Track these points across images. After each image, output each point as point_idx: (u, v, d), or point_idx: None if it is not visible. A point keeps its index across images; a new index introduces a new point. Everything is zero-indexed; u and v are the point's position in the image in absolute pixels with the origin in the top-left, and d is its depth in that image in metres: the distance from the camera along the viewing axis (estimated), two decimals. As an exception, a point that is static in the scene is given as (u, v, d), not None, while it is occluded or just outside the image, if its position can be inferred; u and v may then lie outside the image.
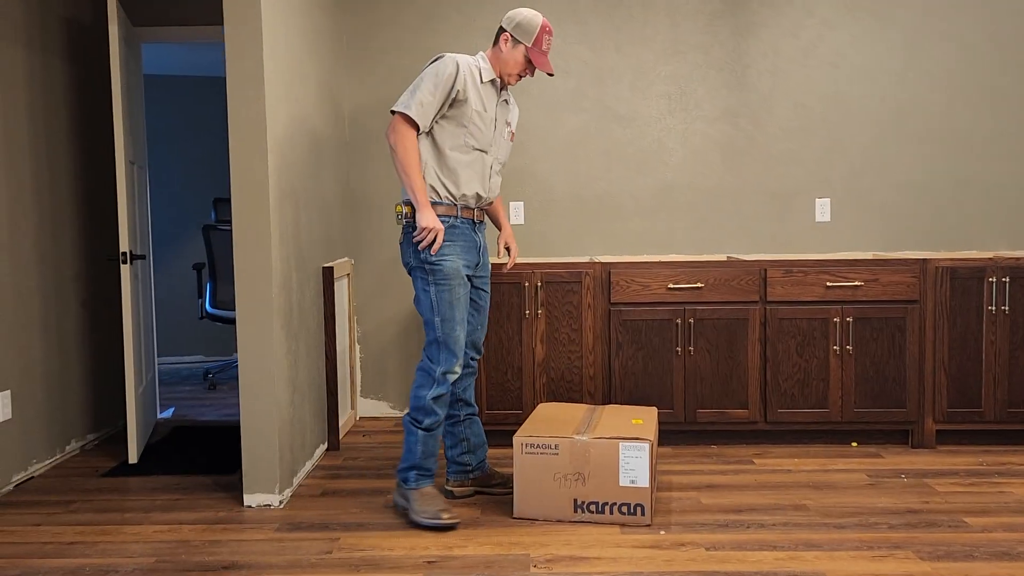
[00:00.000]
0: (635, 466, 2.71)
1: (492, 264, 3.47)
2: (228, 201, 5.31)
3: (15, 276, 3.27)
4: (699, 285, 3.55)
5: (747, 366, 3.58)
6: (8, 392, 3.21)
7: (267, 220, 2.89)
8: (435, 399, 2.79)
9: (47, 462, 3.48)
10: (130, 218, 3.52)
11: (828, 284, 3.53)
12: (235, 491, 3.12)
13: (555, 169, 4.18)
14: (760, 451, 3.58)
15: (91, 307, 3.88)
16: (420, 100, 2.71)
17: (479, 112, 2.79)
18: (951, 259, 3.53)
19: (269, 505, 2.95)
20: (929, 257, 3.56)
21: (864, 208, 4.14)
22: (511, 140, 3.00)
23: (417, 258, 2.78)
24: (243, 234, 2.90)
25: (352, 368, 4.17)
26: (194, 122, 6.12)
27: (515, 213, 4.19)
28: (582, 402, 3.61)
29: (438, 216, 2.76)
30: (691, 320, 3.56)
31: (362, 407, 4.31)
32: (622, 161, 4.17)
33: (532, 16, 2.80)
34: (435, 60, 2.77)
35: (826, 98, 4.12)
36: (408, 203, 2.79)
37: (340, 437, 3.78)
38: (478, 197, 2.85)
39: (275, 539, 2.65)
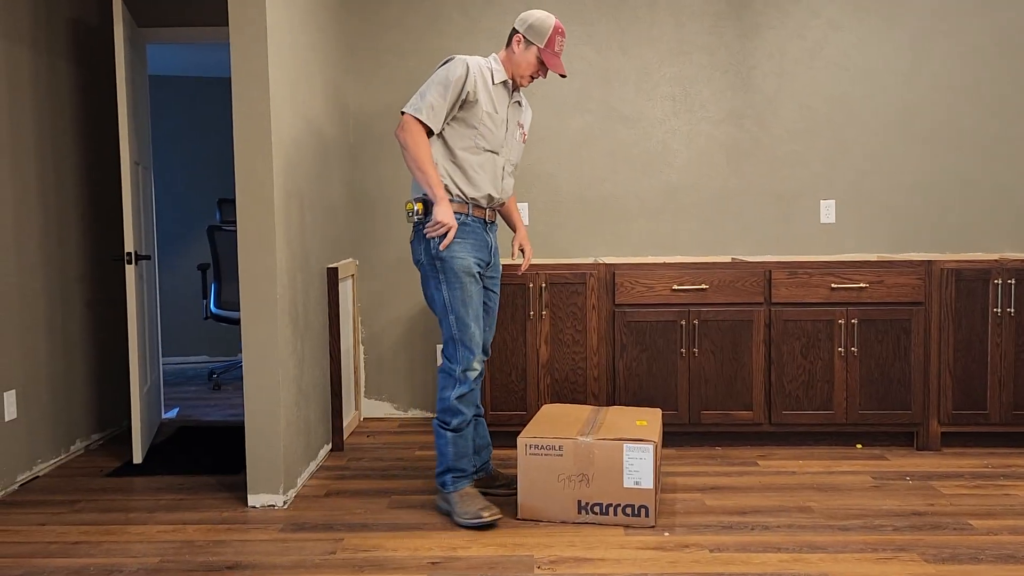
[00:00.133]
0: (639, 467, 2.71)
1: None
2: (233, 202, 5.32)
3: (21, 276, 3.28)
4: (704, 287, 3.55)
5: (751, 368, 3.57)
6: (13, 392, 3.21)
7: (272, 221, 2.90)
8: (459, 398, 2.79)
9: (52, 462, 3.49)
10: (135, 218, 3.52)
11: (833, 286, 3.52)
12: (239, 491, 3.13)
13: (560, 170, 4.18)
14: (764, 453, 3.57)
15: (96, 307, 3.88)
16: (430, 103, 2.71)
17: (490, 114, 2.79)
18: (956, 261, 3.52)
19: (273, 505, 2.96)
20: (934, 259, 3.55)
21: (869, 210, 4.13)
22: (523, 142, 2.99)
23: (429, 256, 2.78)
24: (248, 235, 2.90)
25: (356, 369, 4.17)
26: (199, 123, 6.13)
27: (520, 214, 4.19)
28: (586, 403, 3.60)
29: None
30: (695, 321, 3.56)
31: (366, 408, 4.31)
32: (627, 162, 4.17)
33: (544, 18, 2.80)
34: (446, 62, 2.77)
35: (832, 99, 4.11)
36: (420, 200, 2.78)
37: (344, 438, 3.79)
38: (490, 198, 2.85)
39: (279, 539, 2.65)
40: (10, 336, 3.21)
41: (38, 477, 3.36)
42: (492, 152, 2.82)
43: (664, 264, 3.58)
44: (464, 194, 2.79)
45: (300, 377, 3.19)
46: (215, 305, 5.25)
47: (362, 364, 4.28)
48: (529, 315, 3.59)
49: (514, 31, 2.83)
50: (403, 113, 2.74)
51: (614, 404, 3.61)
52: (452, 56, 2.78)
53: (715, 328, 3.57)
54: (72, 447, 3.66)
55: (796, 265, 3.54)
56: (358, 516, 2.86)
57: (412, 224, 2.85)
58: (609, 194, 4.18)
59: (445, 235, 2.72)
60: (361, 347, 4.27)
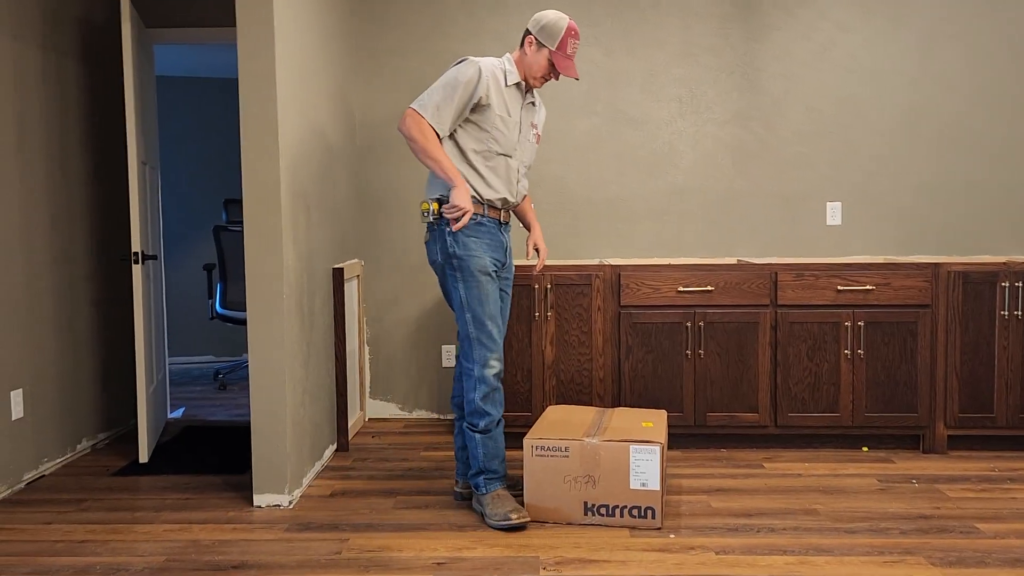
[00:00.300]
0: (645, 469, 2.71)
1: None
2: (239, 202, 5.33)
3: (28, 276, 3.29)
4: (709, 288, 3.55)
5: (757, 370, 3.56)
6: (21, 391, 3.22)
7: (278, 221, 2.90)
8: (483, 399, 2.78)
9: (58, 460, 3.50)
10: (142, 218, 3.53)
11: (839, 288, 3.52)
12: (245, 491, 3.13)
13: (566, 172, 4.18)
14: (770, 455, 3.56)
15: (103, 307, 3.89)
16: (436, 103, 2.69)
17: (502, 117, 2.76)
18: (963, 263, 3.51)
19: (279, 505, 2.96)
20: (941, 261, 3.54)
21: (876, 212, 4.12)
22: (537, 142, 2.96)
23: (445, 254, 2.77)
24: (255, 235, 2.91)
25: (361, 369, 4.18)
26: (205, 123, 6.14)
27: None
28: (591, 405, 3.60)
29: None
30: (701, 323, 3.56)
31: (371, 408, 4.31)
32: (633, 164, 4.16)
33: (558, 19, 2.75)
34: (458, 63, 2.75)
35: (839, 101, 4.11)
36: (435, 200, 2.76)
37: (349, 438, 3.79)
38: (505, 201, 2.84)
39: (284, 539, 2.65)
40: (17, 335, 3.22)
41: (44, 476, 3.37)
42: (505, 155, 2.80)
43: (670, 265, 3.57)
44: (479, 195, 2.77)
45: (306, 377, 3.20)
46: (220, 305, 5.26)
47: (367, 364, 4.29)
48: (535, 316, 3.59)
49: (527, 32, 2.79)
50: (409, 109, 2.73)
51: (619, 406, 3.60)
52: (465, 57, 2.76)
53: (721, 330, 3.56)
54: (78, 446, 3.67)
55: (802, 267, 3.53)
56: (363, 516, 2.86)
57: (427, 224, 2.84)
58: (615, 196, 4.18)
59: (460, 237, 2.71)
60: (366, 347, 4.28)
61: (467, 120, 2.75)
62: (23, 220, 3.26)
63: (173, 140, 6.12)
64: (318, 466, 3.38)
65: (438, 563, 2.46)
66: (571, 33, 2.75)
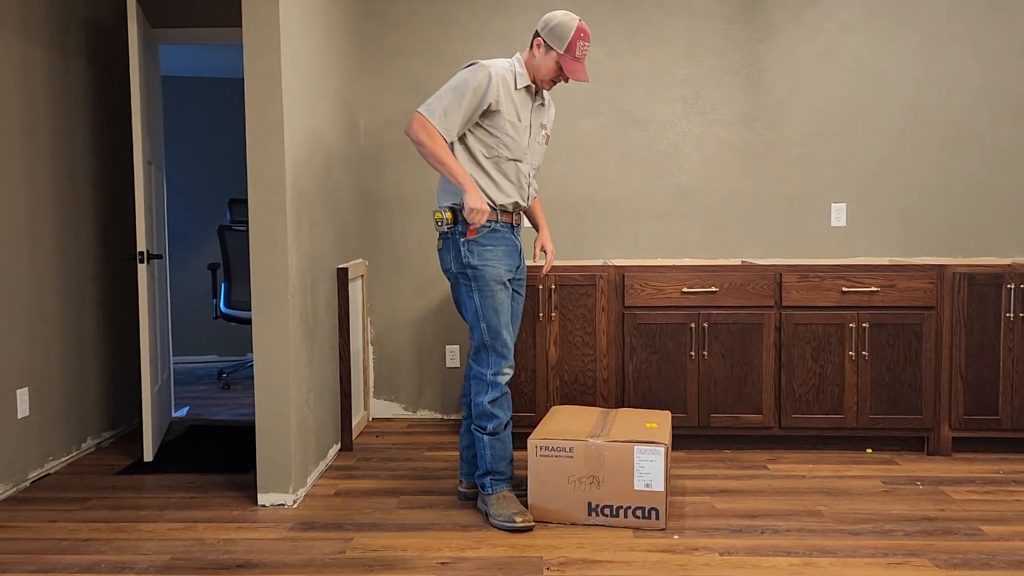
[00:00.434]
0: (650, 469, 2.71)
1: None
2: (244, 202, 5.34)
3: (34, 275, 3.30)
4: (713, 289, 3.54)
5: (761, 371, 3.56)
6: (26, 389, 3.23)
7: (283, 221, 2.90)
8: (492, 402, 2.78)
9: (63, 459, 3.51)
10: (147, 218, 3.54)
11: (844, 289, 3.51)
12: (249, 490, 3.14)
13: (571, 172, 4.18)
14: (774, 456, 3.56)
15: (108, 306, 3.91)
16: (444, 107, 2.66)
17: (512, 123, 2.73)
18: (968, 265, 3.51)
19: (283, 504, 2.96)
20: (946, 263, 3.53)
21: (881, 213, 4.12)
22: (546, 142, 2.94)
23: (459, 264, 2.76)
24: (259, 235, 2.91)
25: (365, 369, 4.18)
26: (210, 123, 6.16)
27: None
28: (595, 405, 3.60)
29: None
30: (705, 324, 3.55)
31: (375, 408, 4.32)
32: (638, 165, 4.16)
33: (567, 21, 2.70)
34: (468, 66, 2.71)
35: (843, 103, 4.10)
36: (448, 208, 2.73)
37: (353, 438, 3.79)
38: (516, 204, 2.83)
39: (289, 538, 2.66)
40: (23, 334, 3.22)
41: (50, 474, 3.37)
42: (515, 160, 2.78)
43: (674, 266, 3.57)
44: (492, 200, 2.76)
45: (310, 377, 3.20)
46: (225, 305, 5.27)
47: (371, 364, 4.29)
48: (539, 317, 3.59)
49: (536, 33, 2.75)
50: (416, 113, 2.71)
51: (623, 406, 3.60)
52: (476, 61, 2.73)
53: (725, 331, 3.56)
54: (83, 445, 3.68)
55: (807, 268, 3.53)
56: (367, 516, 2.86)
57: (439, 233, 2.80)
58: (619, 196, 4.18)
59: (475, 240, 2.70)
60: (370, 347, 4.28)
61: (477, 125, 2.73)
62: (29, 220, 3.27)
63: (178, 140, 6.13)
64: (322, 466, 3.38)
65: (442, 563, 2.46)
66: (580, 35, 2.70)
